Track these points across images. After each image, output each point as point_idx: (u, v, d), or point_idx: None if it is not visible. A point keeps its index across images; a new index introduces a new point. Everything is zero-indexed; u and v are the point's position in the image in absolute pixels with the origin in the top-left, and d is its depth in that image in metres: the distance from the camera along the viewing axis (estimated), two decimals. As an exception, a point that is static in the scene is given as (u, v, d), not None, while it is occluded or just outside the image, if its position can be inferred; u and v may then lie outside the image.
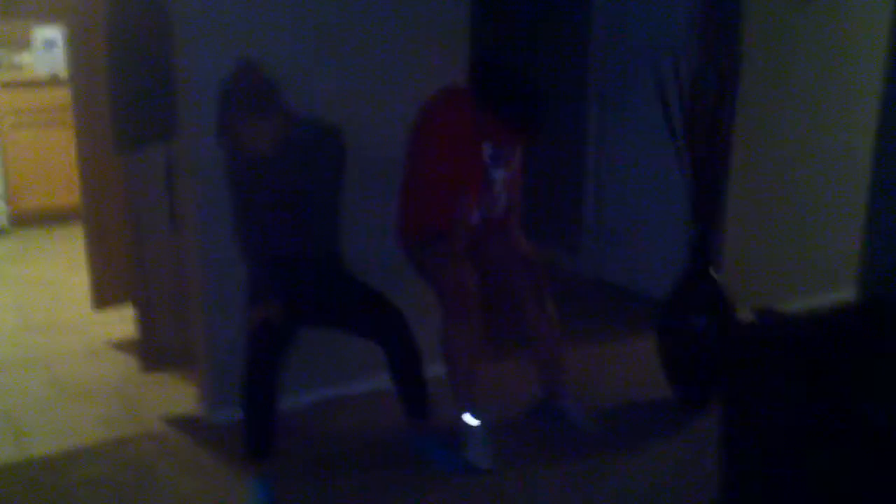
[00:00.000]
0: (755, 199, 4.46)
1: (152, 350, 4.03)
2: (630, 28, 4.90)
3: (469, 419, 3.33)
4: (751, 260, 4.47)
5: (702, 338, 3.62)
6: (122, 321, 4.37)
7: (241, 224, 3.19)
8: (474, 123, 3.23)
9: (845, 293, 4.02)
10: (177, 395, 3.82)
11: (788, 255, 4.64)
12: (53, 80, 6.14)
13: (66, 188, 5.94)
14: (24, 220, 6.23)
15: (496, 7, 5.44)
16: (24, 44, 6.45)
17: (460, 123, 3.25)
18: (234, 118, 2.96)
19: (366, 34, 3.56)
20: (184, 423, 3.60)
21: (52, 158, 6.10)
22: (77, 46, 4.16)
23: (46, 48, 6.26)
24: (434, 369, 3.38)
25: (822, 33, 4.43)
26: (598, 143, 5.24)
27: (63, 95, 5.20)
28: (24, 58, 6.48)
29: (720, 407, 2.87)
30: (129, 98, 3.72)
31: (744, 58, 3.84)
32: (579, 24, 5.16)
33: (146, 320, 4.00)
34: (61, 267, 5.44)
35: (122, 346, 4.31)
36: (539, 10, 5.46)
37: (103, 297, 4.38)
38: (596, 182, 5.29)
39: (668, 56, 3.63)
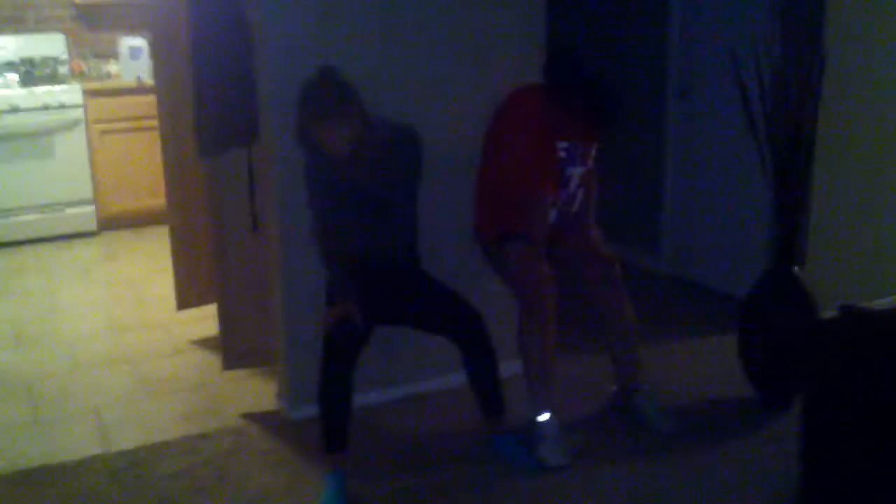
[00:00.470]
0: (840, 197, 4.36)
1: (233, 348, 4.10)
2: (710, 20, 4.82)
3: (543, 417, 3.32)
4: (835, 258, 4.36)
5: (784, 336, 3.54)
6: (205, 321, 4.47)
7: (320, 225, 3.22)
8: (550, 120, 3.23)
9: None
10: (256, 393, 3.89)
11: (873, 254, 4.53)
12: (139, 87, 6.32)
13: (151, 192, 6.14)
14: (112, 223, 6.43)
15: (573, 1, 5.43)
16: (112, 53, 6.66)
17: (536, 121, 3.25)
18: (313, 121, 3.00)
19: (438, 34, 3.58)
20: (263, 419, 3.66)
21: (138, 163, 6.29)
22: (161, 55, 4.28)
23: (133, 56, 6.44)
24: (509, 367, 3.37)
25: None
26: (677, 139, 5.17)
27: (149, 102, 5.37)
28: (112, 66, 6.68)
29: (802, 407, 2.81)
30: (212, 105, 3.80)
31: (827, 52, 3.74)
32: (658, 16, 5.10)
33: (228, 320, 4.08)
34: (147, 268, 5.59)
35: (204, 344, 4.40)
36: (617, 2, 5.41)
37: (187, 297, 4.49)
38: (675, 178, 5.22)
39: (750, 50, 3.56)
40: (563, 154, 3.30)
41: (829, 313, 2.78)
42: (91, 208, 6.33)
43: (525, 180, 3.29)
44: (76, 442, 3.53)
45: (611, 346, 3.56)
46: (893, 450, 2.48)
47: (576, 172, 3.37)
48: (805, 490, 2.76)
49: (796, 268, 3.61)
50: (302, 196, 3.27)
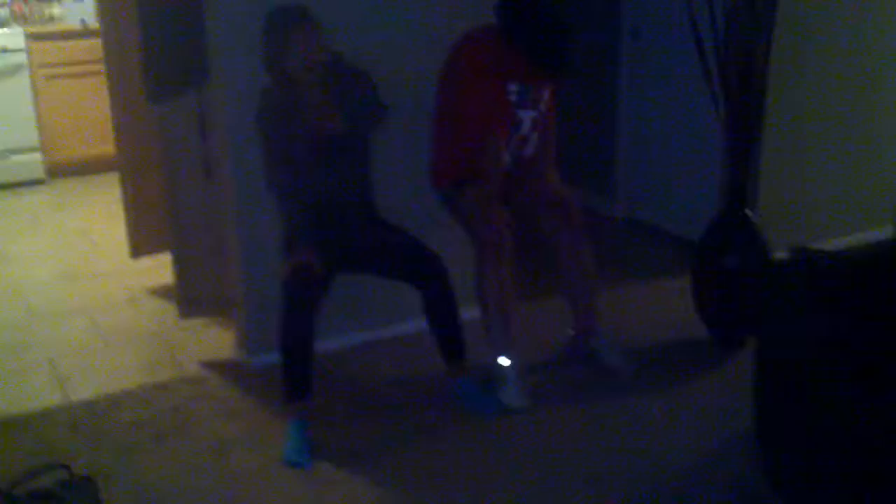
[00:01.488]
0: (791, 138, 4.40)
1: (190, 296, 4.07)
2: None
3: (503, 360, 3.35)
4: (787, 199, 4.41)
5: (737, 277, 3.61)
6: (160, 269, 4.41)
7: (274, 172, 3.19)
8: (500, 62, 3.22)
9: (885, 232, 3.96)
10: (215, 341, 3.88)
11: (825, 195, 4.59)
12: (84, 31, 6.15)
13: (100, 138, 5.99)
14: (60, 171, 6.30)
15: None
16: (55, -5, 6.47)
17: (485, 63, 3.24)
18: (284, 36, 3.03)
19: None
20: (222, 368, 3.65)
21: (85, 109, 6.15)
22: (106, -5, 4.16)
23: (76, -1, 6.26)
24: (469, 311, 3.40)
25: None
26: (630, 82, 5.18)
27: (94, 46, 5.22)
28: (55, 9, 6.48)
29: (755, 348, 2.87)
30: (159, 47, 3.71)
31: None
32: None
33: (183, 267, 4.04)
34: (98, 216, 5.50)
35: (160, 293, 4.37)
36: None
37: (140, 245, 4.43)
38: (629, 120, 5.24)
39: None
40: (513, 97, 3.29)
41: (780, 254, 2.83)
42: (38, 155, 6.19)
43: (476, 123, 3.29)
44: (34, 392, 3.51)
45: (569, 290, 3.59)
46: (842, 386, 2.55)
47: (527, 116, 3.36)
48: (759, 429, 2.83)
49: (748, 210, 3.66)
50: (254, 140, 3.23)
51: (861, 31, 4.47)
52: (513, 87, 3.28)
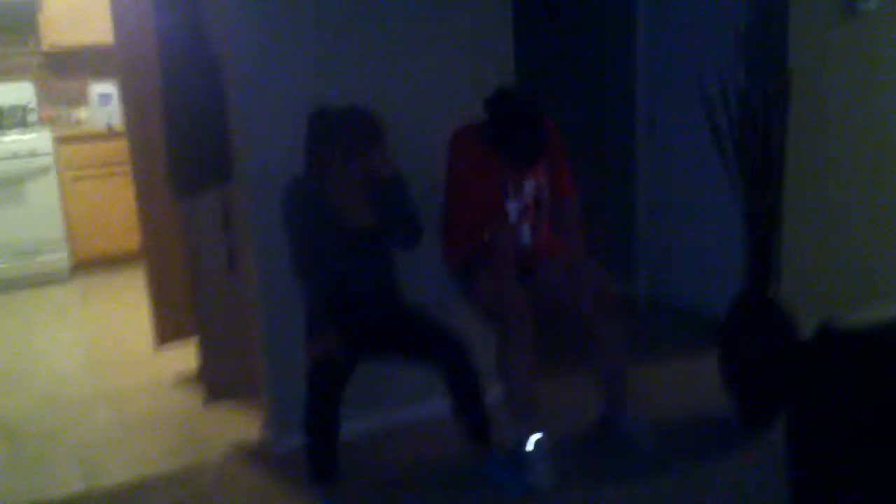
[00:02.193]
0: (813, 211, 4.40)
1: (214, 382, 4.09)
2: (676, 47, 4.93)
3: (529, 440, 3.33)
4: (811, 274, 4.40)
5: (763, 355, 3.59)
6: (184, 357, 4.44)
7: (301, 258, 3.23)
8: (481, 157, 3.36)
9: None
10: (240, 426, 3.87)
11: (851, 267, 4.56)
12: (110, 133, 6.33)
13: (124, 234, 6.11)
14: (85, 266, 6.40)
15: (541, 33, 5.53)
16: (82, 99, 6.68)
17: (468, 158, 3.39)
18: (355, 145, 3.11)
19: (406, 67, 3.65)
20: (247, 453, 3.64)
21: (110, 207, 6.29)
22: (131, 99, 4.29)
23: (102, 102, 6.46)
24: (494, 392, 3.40)
25: (870, 43, 4.41)
26: (647, 162, 5.25)
27: (119, 147, 5.39)
28: (81, 112, 6.70)
29: (785, 428, 2.83)
30: (184, 147, 3.81)
31: (793, 73, 3.84)
32: (625, 42, 5.20)
33: (207, 353, 4.07)
34: (122, 308, 5.56)
35: (184, 380, 4.39)
36: (584, 30, 5.52)
37: (164, 333, 4.46)
38: (648, 203, 5.30)
39: (715, 74, 3.65)
40: (500, 189, 3.41)
41: (807, 333, 2.81)
42: (64, 252, 6.31)
43: (469, 214, 3.43)
44: (60, 480, 3.51)
45: (599, 371, 3.58)
46: (877, 467, 2.51)
47: (512, 207, 3.44)
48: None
49: (772, 287, 3.66)
50: (278, 232, 3.29)
51: (879, 99, 4.51)
52: (497, 181, 3.39)
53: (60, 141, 6.27)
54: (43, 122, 6.54)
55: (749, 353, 3.65)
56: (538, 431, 3.35)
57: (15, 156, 6.12)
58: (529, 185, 3.46)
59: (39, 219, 6.20)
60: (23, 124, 6.37)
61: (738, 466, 3.42)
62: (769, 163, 3.57)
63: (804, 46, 4.19)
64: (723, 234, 4.66)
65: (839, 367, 2.67)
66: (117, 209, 6.18)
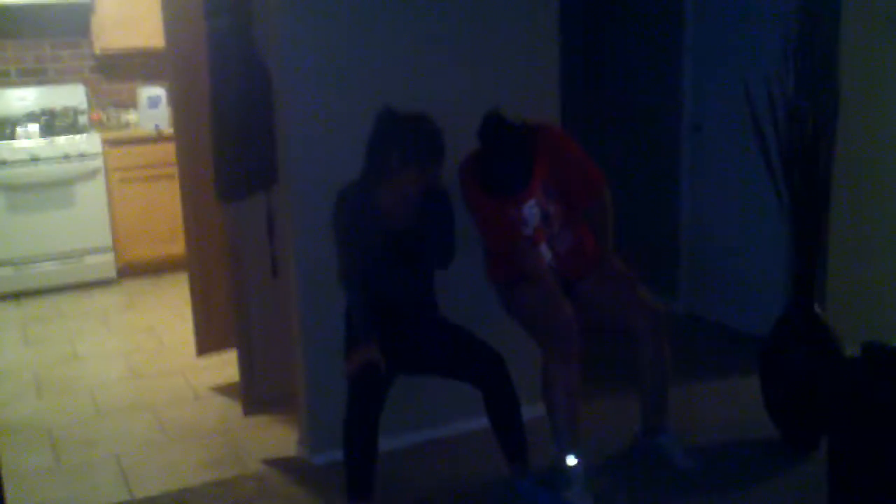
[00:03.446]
0: (859, 228, 4.31)
1: (254, 394, 4.11)
2: (725, 56, 4.85)
3: (570, 460, 3.29)
4: (857, 292, 4.31)
5: (807, 376, 3.52)
6: (225, 367, 4.47)
7: (347, 264, 3.23)
8: (480, 182, 3.33)
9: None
10: (278, 438, 3.88)
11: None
12: (158, 136, 6.39)
13: (169, 239, 6.17)
14: (131, 271, 6.46)
15: (591, 39, 5.49)
16: (131, 103, 6.75)
17: (471, 185, 3.36)
18: (421, 160, 3.12)
19: (453, 77, 3.63)
20: (285, 465, 3.65)
21: (156, 211, 6.34)
22: (180, 103, 4.34)
23: (151, 105, 6.52)
24: (531, 409, 3.36)
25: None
26: (692, 173, 5.19)
27: (166, 150, 5.43)
28: (130, 116, 6.77)
29: (828, 450, 2.78)
30: (231, 152, 3.84)
31: (842, 86, 3.75)
32: (673, 51, 5.15)
33: (248, 365, 4.08)
34: (166, 315, 5.61)
35: (224, 390, 4.41)
36: (633, 37, 5.46)
37: (207, 343, 4.50)
38: (691, 215, 5.23)
39: (763, 86, 3.58)
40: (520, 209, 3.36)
41: (851, 352, 2.76)
42: (110, 256, 6.37)
43: (491, 240, 3.43)
44: (100, 488, 3.54)
45: (642, 390, 3.55)
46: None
47: (533, 220, 3.37)
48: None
49: (817, 305, 3.59)
50: (321, 240, 3.30)
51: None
52: (498, 209, 3.35)
53: (109, 143, 6.33)
54: (93, 124, 6.62)
55: (793, 371, 3.59)
56: (579, 451, 3.31)
57: (66, 158, 6.19)
58: (530, 207, 3.37)
59: (87, 222, 6.27)
60: (74, 126, 6.45)
61: (780, 488, 3.37)
62: (816, 178, 3.49)
63: (854, 60, 4.09)
64: (767, 249, 4.58)
65: (886, 386, 2.62)
66: (163, 214, 6.24)
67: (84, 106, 6.61)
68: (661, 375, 3.52)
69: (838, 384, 2.99)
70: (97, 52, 6.58)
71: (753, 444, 3.69)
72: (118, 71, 6.80)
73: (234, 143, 3.82)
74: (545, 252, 3.42)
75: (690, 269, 5.27)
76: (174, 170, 4.55)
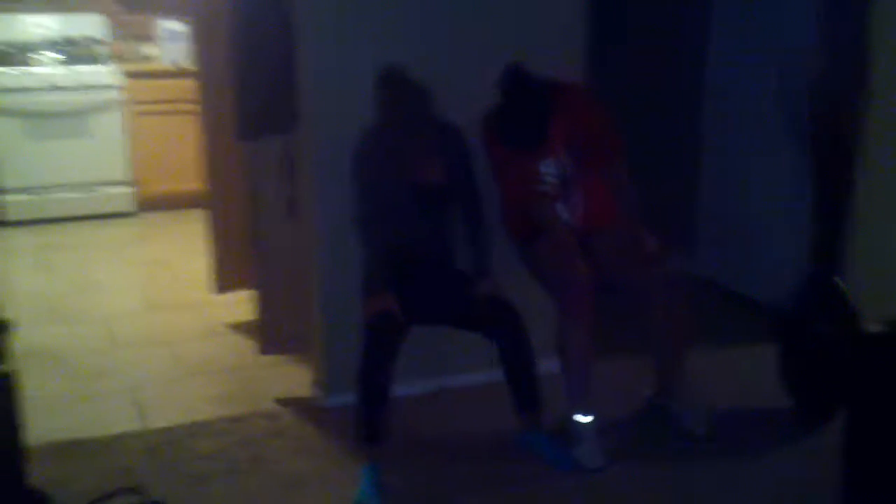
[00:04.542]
0: (886, 197, 4.24)
1: (269, 333, 4.12)
2: (752, 23, 4.77)
3: (581, 418, 3.31)
4: (881, 265, 4.26)
5: (825, 347, 3.50)
6: (241, 304, 4.47)
7: (365, 206, 3.23)
8: (498, 137, 3.30)
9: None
10: (292, 378, 3.90)
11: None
12: (177, 71, 6.35)
13: (187, 175, 6.12)
14: (147, 205, 6.46)
15: (613, 5, 5.40)
16: (150, 36, 6.70)
17: (490, 143, 3.33)
18: (414, 98, 3.13)
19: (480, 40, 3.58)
20: (297, 406, 3.67)
21: (174, 145, 6.31)
22: (202, 39, 4.30)
23: (171, 40, 6.47)
24: (545, 365, 3.37)
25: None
26: (713, 140, 5.12)
27: (186, 86, 5.39)
28: (150, 49, 6.72)
29: (845, 423, 2.77)
30: (252, 89, 3.81)
31: (872, 59, 3.68)
32: (698, 18, 5.05)
33: (264, 304, 4.09)
34: (183, 250, 5.60)
35: (240, 328, 4.42)
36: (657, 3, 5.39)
37: (223, 280, 4.50)
38: (711, 180, 5.17)
39: (792, 54, 3.51)
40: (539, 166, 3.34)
41: (873, 325, 2.74)
42: (128, 189, 6.37)
43: (508, 195, 3.40)
44: (113, 417, 3.57)
45: (658, 350, 3.54)
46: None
47: (551, 178, 3.35)
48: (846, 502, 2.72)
49: (838, 276, 3.56)
50: (339, 183, 3.29)
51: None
52: (517, 164, 3.32)
53: (129, 75, 6.30)
54: (112, 56, 6.57)
55: (810, 342, 3.57)
56: (591, 409, 3.32)
57: (85, 87, 6.16)
58: (547, 165, 3.34)
59: (105, 153, 6.27)
60: (93, 57, 6.40)
61: (792, 457, 3.37)
62: (842, 145, 3.44)
63: (886, 22, 4.00)
64: (788, 217, 4.53)
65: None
66: (181, 149, 6.19)
67: (103, 36, 6.55)
68: (675, 339, 3.50)
69: (858, 358, 2.98)
70: (119, -20, 6.53)
71: (767, 413, 3.68)
72: (139, 3, 6.71)
73: (257, 83, 3.79)
74: (561, 211, 3.41)
75: (710, 234, 5.23)
76: (193, 107, 4.51)
